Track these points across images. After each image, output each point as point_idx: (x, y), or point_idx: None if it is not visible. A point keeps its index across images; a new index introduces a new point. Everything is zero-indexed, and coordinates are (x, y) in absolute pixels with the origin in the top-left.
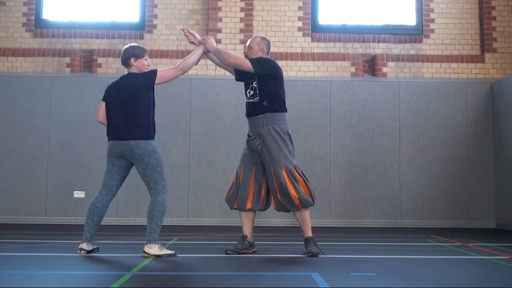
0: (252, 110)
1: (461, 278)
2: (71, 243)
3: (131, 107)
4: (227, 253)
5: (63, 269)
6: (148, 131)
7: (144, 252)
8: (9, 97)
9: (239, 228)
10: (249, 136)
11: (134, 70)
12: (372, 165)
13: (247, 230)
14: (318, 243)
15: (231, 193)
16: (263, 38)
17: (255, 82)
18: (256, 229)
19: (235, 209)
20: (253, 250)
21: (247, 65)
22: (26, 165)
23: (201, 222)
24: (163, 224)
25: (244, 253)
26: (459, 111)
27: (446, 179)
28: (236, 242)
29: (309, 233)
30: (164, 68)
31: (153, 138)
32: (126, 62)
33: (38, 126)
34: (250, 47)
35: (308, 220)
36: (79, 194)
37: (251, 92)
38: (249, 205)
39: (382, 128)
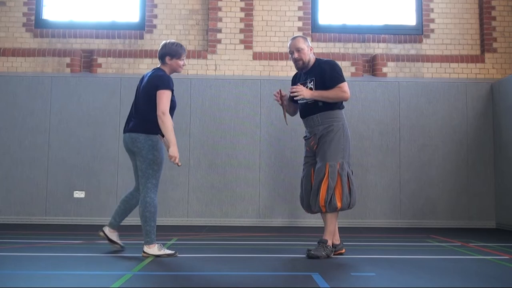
0: (308, 110)
1: (461, 278)
2: (71, 243)
3: (141, 102)
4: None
5: (63, 269)
6: (151, 126)
7: (144, 252)
8: (9, 97)
9: (239, 228)
10: (305, 136)
11: (165, 68)
12: (372, 165)
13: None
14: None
15: (300, 198)
16: (301, 36)
17: (311, 83)
18: (256, 229)
19: (306, 212)
20: (341, 251)
21: (347, 90)
22: (26, 165)
23: (201, 222)
24: (163, 224)
25: (335, 254)
26: (459, 111)
27: (446, 179)
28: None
29: (325, 236)
30: (167, 96)
31: (156, 133)
32: (161, 58)
33: (38, 126)
34: (299, 49)
35: (330, 225)
36: (79, 194)
37: None
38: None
39: (382, 128)
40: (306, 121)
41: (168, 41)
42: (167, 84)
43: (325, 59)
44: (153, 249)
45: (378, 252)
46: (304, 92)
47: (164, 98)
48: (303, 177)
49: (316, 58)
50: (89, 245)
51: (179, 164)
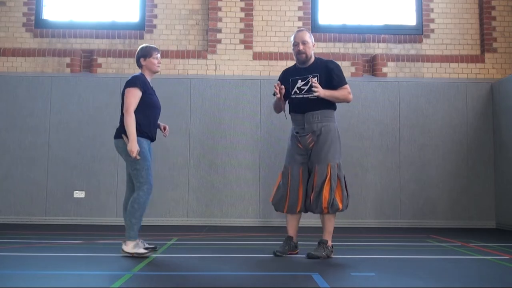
0: (310, 106)
1: (461, 278)
2: (71, 243)
3: (121, 106)
4: (276, 255)
5: (63, 269)
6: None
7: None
8: (9, 97)
9: (239, 228)
10: (297, 132)
11: (144, 70)
12: (372, 165)
13: (292, 231)
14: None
15: (279, 197)
16: (308, 31)
17: (315, 78)
18: (256, 229)
19: (285, 213)
20: (296, 251)
21: (351, 92)
22: (26, 165)
23: (201, 222)
24: (163, 224)
25: (289, 254)
26: (459, 111)
27: (446, 179)
28: (283, 243)
29: (325, 237)
30: (132, 94)
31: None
32: (137, 64)
33: (38, 126)
34: (305, 42)
35: (329, 225)
36: (79, 194)
37: (305, 88)
38: (298, 209)
39: (382, 128)
40: (304, 117)
41: (141, 46)
42: (132, 82)
43: (326, 58)
44: (128, 247)
45: (378, 252)
46: (320, 90)
47: (128, 95)
48: (289, 175)
49: (315, 57)
50: (89, 245)
51: (138, 157)
